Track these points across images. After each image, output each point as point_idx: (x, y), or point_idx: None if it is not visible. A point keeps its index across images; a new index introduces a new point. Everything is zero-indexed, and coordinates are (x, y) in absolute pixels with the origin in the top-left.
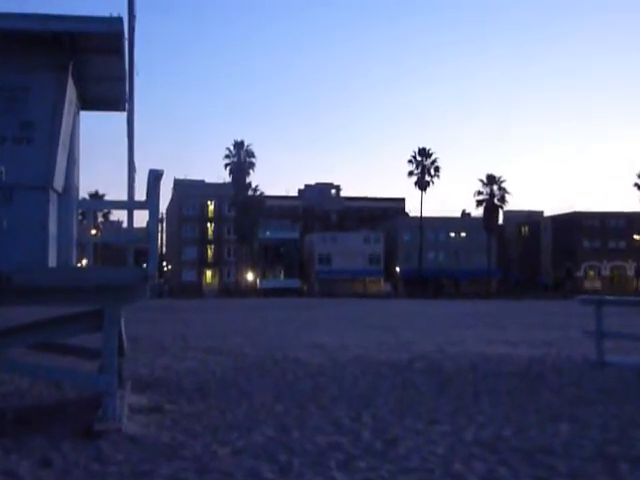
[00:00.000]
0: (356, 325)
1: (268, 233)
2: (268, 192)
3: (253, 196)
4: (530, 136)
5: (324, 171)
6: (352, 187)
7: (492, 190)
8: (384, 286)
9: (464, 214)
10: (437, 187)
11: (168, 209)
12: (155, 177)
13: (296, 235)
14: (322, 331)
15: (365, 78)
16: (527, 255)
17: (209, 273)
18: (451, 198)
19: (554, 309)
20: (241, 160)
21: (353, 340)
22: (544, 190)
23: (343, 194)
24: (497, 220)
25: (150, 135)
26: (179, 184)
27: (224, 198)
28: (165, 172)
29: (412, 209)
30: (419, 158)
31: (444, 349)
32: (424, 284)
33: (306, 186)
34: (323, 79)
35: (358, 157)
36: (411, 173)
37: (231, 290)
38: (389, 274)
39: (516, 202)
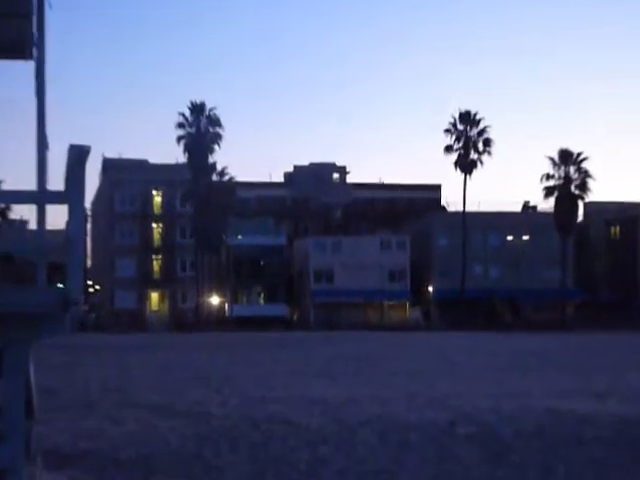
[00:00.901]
0: (370, 370)
1: (241, 237)
2: (241, 177)
3: (219, 183)
4: (622, 97)
5: (322, 147)
6: (363, 170)
7: (568, 173)
8: (411, 313)
9: (527, 207)
10: (487, 168)
11: (95, 203)
12: (78, 156)
13: (282, 240)
14: (322, 379)
15: (379, 21)
16: (619, 267)
17: (155, 296)
18: (508, 184)
19: None
20: (201, 130)
21: (367, 392)
22: None
23: (351, 180)
24: (575, 216)
25: (68, 97)
26: (111, 167)
27: (176, 186)
28: (92, 149)
29: (451, 201)
30: (461, 127)
31: (499, 405)
32: (469, 310)
33: (296, 168)
34: (320, 22)
35: (371, 127)
36: (449, 148)
37: (188, 320)
38: (418, 296)
39: (603, 190)
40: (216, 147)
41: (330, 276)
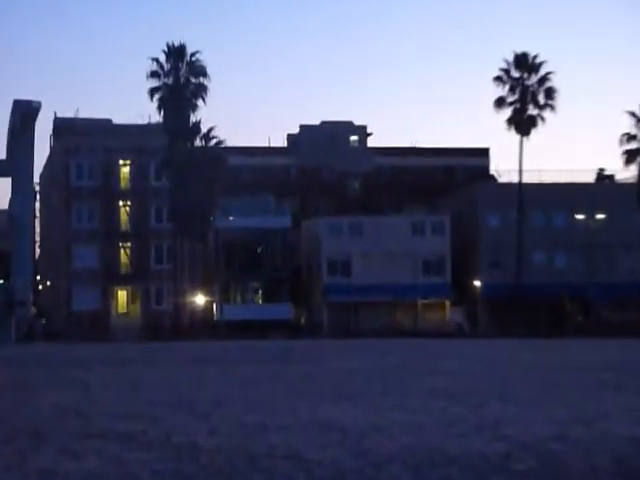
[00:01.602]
0: (400, 389)
1: (233, 218)
2: (233, 141)
3: (204, 149)
4: None
5: (336, 103)
6: (389, 130)
7: None
8: (451, 315)
9: (602, 177)
10: (551, 127)
11: (44, 175)
12: (25, 115)
13: (285, 222)
14: (338, 401)
15: None
16: None
17: (122, 295)
18: (577, 148)
19: None
20: (180, 81)
21: (396, 417)
22: None
23: (373, 143)
24: None
25: (13, 45)
26: (65, 129)
27: (149, 153)
28: (42, 106)
29: (503, 170)
30: (516, 73)
31: (566, 432)
32: (527, 310)
33: (303, 129)
34: None
35: (398, 76)
36: (501, 102)
37: (165, 326)
38: (461, 292)
39: None
40: (200, 102)
41: (347, 268)
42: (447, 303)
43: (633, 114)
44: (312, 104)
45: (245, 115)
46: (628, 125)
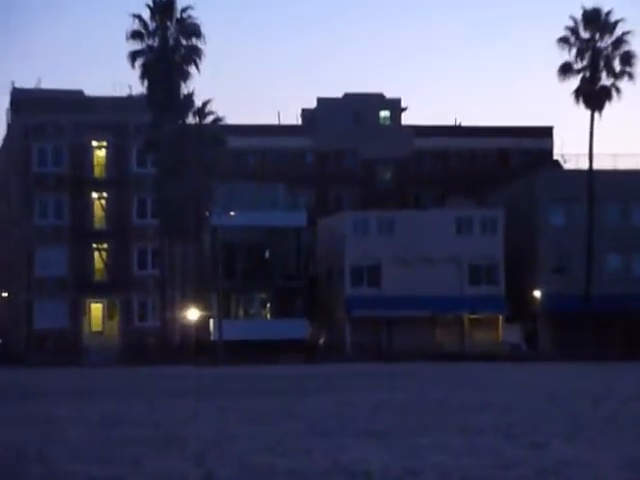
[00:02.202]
0: (441, 425)
1: (235, 214)
2: (234, 118)
3: (199, 127)
4: None
5: (363, 73)
6: (428, 105)
7: None
8: (505, 333)
9: None
10: (628, 101)
11: (0, 160)
12: None
13: (299, 219)
14: (364, 439)
15: None
16: None
17: (97, 308)
18: None
19: None
20: (169, 43)
21: (435, 460)
22: None
23: (408, 121)
24: None
25: None
26: (26, 102)
27: (130, 133)
28: None
29: (569, 154)
30: (585, 34)
31: None
32: (598, 327)
33: (322, 103)
34: None
35: (438, 41)
36: (566, 69)
37: (150, 347)
38: (517, 306)
39: None
40: (193, 69)
41: (376, 275)
42: (500, 319)
43: None
44: (333, 72)
45: (249, 86)
46: None
